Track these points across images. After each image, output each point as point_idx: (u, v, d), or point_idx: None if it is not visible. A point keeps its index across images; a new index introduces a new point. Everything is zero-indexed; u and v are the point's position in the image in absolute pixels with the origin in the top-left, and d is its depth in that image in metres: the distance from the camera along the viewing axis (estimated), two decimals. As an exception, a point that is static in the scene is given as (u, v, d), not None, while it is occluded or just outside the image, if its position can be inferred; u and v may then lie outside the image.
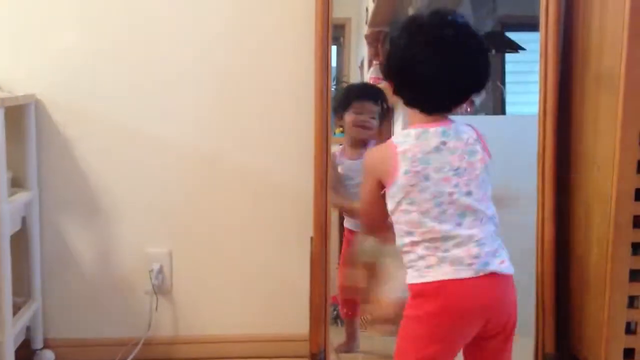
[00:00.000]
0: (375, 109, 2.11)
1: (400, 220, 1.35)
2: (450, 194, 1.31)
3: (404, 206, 1.34)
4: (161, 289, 2.12)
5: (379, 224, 1.44)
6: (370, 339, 2.17)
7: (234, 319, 2.16)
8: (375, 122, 2.13)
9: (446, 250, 1.30)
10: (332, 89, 2.09)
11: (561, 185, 1.92)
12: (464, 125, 1.38)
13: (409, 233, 1.34)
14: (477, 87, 1.38)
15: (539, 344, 1.93)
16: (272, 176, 2.12)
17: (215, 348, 2.14)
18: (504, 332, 1.35)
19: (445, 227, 1.30)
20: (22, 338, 1.99)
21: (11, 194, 1.89)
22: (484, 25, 2.41)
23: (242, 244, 2.14)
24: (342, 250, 2.17)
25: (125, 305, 2.12)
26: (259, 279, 2.15)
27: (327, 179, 2.01)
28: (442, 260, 1.30)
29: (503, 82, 2.34)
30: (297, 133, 2.08)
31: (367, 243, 1.66)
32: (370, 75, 2.39)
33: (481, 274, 1.29)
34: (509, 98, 2.34)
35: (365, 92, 2.16)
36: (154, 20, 2.05)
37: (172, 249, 2.13)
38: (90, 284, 2.11)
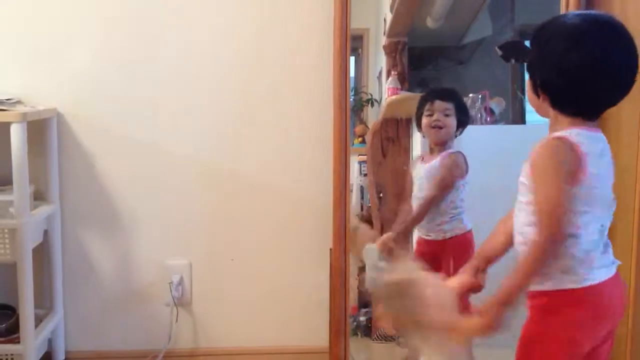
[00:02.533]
0: (447, 105, 2.06)
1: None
2: (614, 198, 1.29)
3: (582, 207, 1.25)
4: (181, 301, 2.13)
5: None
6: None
7: (254, 331, 2.15)
8: (449, 120, 2.06)
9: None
10: (351, 100, 2.09)
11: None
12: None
13: (573, 235, 1.24)
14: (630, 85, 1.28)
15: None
16: (291, 188, 2.12)
17: (236, 360, 2.15)
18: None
19: (602, 237, 1.29)
20: (43, 350, 2.01)
21: (33, 208, 1.91)
22: (503, 35, 2.40)
23: (262, 256, 2.14)
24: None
25: (146, 317, 2.13)
26: (279, 291, 2.15)
27: (347, 190, 2.01)
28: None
29: (523, 92, 2.32)
30: (316, 145, 2.08)
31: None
32: (388, 85, 2.38)
33: (611, 274, 1.29)
34: (529, 107, 2.32)
35: (432, 93, 2.13)
36: (174, 38, 2.07)
37: (192, 261, 2.13)
38: (111, 296, 2.12)
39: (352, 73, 2.12)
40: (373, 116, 2.47)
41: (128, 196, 2.09)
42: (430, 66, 2.54)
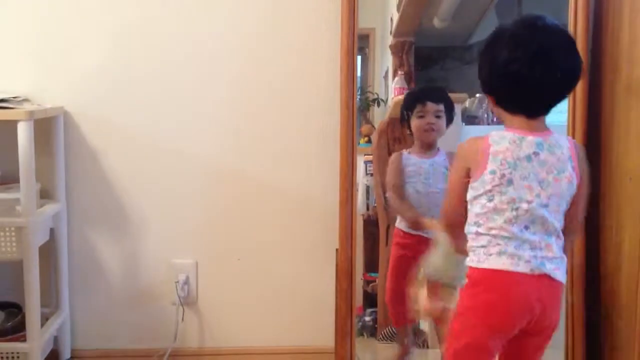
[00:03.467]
0: (438, 107, 2.07)
1: (474, 209, 1.40)
2: (529, 202, 1.35)
3: (482, 200, 1.38)
4: (187, 300, 2.13)
5: (457, 215, 1.46)
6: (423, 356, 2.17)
7: (259, 331, 2.15)
8: (441, 122, 2.08)
9: (506, 247, 1.35)
10: (357, 99, 2.09)
11: (590, 197, 1.88)
12: (563, 139, 1.40)
13: (477, 223, 1.39)
14: (572, 83, 1.42)
15: (568, 357, 1.90)
16: (297, 188, 2.12)
17: (241, 360, 2.15)
18: (544, 334, 1.41)
19: (513, 229, 1.35)
20: (49, 348, 2.01)
21: (40, 206, 1.91)
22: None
23: (268, 256, 2.14)
24: (392, 255, 2.11)
25: (152, 316, 2.13)
26: (285, 290, 2.15)
27: (353, 189, 2.01)
28: (502, 253, 1.35)
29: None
30: (322, 145, 2.08)
31: (434, 258, 1.60)
32: (395, 85, 2.38)
33: (536, 272, 1.34)
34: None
35: (423, 94, 2.13)
36: (181, 39, 2.07)
37: (198, 260, 2.13)
38: (117, 295, 2.13)
39: (358, 72, 2.11)
40: (379, 116, 2.47)
41: (134, 195, 2.09)
42: (437, 66, 2.54)
